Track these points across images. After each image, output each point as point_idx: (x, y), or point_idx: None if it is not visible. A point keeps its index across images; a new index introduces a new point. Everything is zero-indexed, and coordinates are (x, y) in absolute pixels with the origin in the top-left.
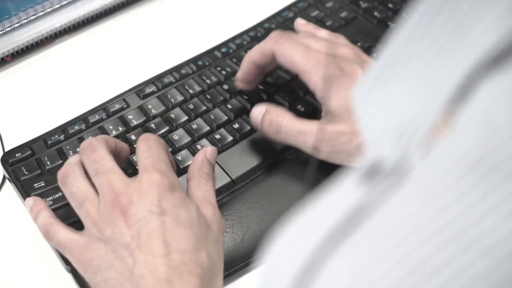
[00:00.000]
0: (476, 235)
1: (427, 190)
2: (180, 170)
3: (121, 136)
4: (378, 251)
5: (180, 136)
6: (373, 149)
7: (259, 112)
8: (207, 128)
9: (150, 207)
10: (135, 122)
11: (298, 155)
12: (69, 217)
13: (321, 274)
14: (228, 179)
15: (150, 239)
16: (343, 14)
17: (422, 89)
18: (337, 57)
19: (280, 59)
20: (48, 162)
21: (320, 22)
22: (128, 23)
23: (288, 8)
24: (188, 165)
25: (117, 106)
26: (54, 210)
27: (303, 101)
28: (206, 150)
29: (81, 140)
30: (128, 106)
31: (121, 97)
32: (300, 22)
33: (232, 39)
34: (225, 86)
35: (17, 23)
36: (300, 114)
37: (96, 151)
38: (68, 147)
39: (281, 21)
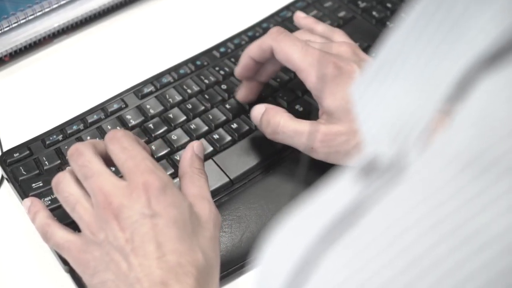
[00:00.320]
0: (473, 230)
1: (423, 186)
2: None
3: None
4: (374, 247)
5: (178, 136)
6: (370, 146)
7: (259, 112)
8: (206, 128)
9: (142, 210)
10: (133, 122)
11: (296, 155)
12: (66, 217)
13: (316, 272)
14: (227, 179)
15: (144, 242)
16: (342, 14)
17: (420, 87)
18: (334, 56)
19: (279, 56)
20: (46, 162)
21: None
22: (126, 23)
23: (287, 8)
24: None
25: (115, 106)
26: (52, 210)
27: (302, 101)
28: (193, 145)
29: (79, 140)
30: (127, 106)
31: (120, 97)
32: (299, 15)
33: (230, 39)
34: (224, 86)
35: (15, 23)
36: (298, 114)
37: (82, 155)
38: (66, 147)
39: (279, 21)
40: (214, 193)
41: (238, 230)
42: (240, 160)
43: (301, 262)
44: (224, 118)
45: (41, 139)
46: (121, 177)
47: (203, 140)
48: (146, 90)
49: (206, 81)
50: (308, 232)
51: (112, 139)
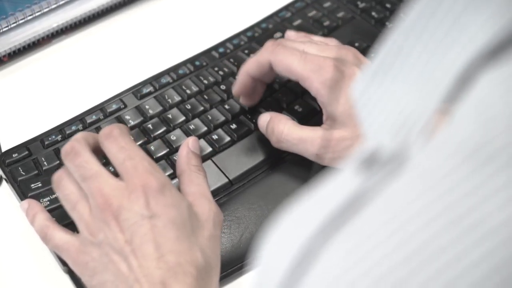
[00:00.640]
0: (473, 222)
1: (424, 178)
2: None
3: None
4: (375, 237)
5: (177, 136)
6: (372, 139)
7: (264, 120)
8: (205, 128)
9: (141, 211)
10: (132, 123)
11: (296, 155)
12: (65, 218)
13: (316, 263)
14: (226, 180)
15: (143, 243)
16: (341, 14)
17: (422, 82)
18: (335, 59)
19: (278, 68)
20: (45, 163)
21: (317, 22)
22: (125, 23)
23: (286, 8)
24: None
25: (114, 107)
26: (51, 210)
27: (301, 102)
28: (188, 142)
29: None
30: (125, 106)
31: (118, 97)
32: (291, 34)
33: (229, 39)
34: (223, 87)
35: (14, 23)
36: (297, 114)
37: (79, 156)
38: None
39: (278, 21)
40: (214, 194)
41: (237, 230)
42: (240, 160)
43: (302, 253)
44: (223, 118)
45: (40, 139)
46: (117, 174)
47: (202, 141)
48: (145, 90)
49: (205, 81)
50: (309, 223)
51: (109, 136)
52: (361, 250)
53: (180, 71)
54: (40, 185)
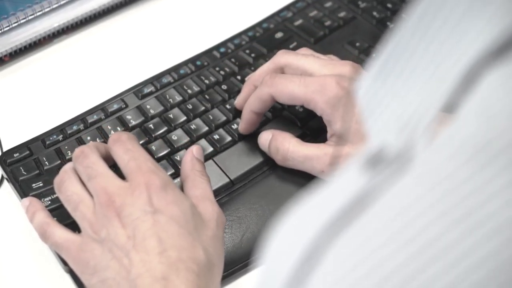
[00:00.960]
0: (479, 220)
1: (430, 176)
2: (179, 171)
3: None
4: (382, 235)
5: (178, 136)
6: (377, 138)
7: (266, 139)
8: (206, 128)
9: (144, 207)
10: (133, 122)
11: None
12: (66, 218)
13: (323, 260)
14: (227, 180)
15: (145, 238)
16: (342, 14)
17: (426, 81)
18: (336, 76)
19: (282, 99)
20: (46, 162)
21: (318, 22)
22: (126, 23)
23: (287, 8)
24: None
25: (115, 106)
26: (52, 210)
27: (300, 107)
28: (192, 149)
29: (79, 140)
30: (127, 106)
31: (120, 97)
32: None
33: (230, 39)
34: (224, 86)
35: (15, 22)
36: (297, 114)
37: (88, 158)
38: (66, 147)
39: (279, 21)
40: (215, 194)
41: (238, 230)
42: (241, 160)
43: (307, 252)
44: (224, 118)
45: (41, 139)
46: (123, 178)
47: (203, 141)
48: (146, 90)
49: (207, 81)
50: (315, 221)
51: (117, 141)
52: (366, 249)
53: (181, 71)
54: (41, 184)
